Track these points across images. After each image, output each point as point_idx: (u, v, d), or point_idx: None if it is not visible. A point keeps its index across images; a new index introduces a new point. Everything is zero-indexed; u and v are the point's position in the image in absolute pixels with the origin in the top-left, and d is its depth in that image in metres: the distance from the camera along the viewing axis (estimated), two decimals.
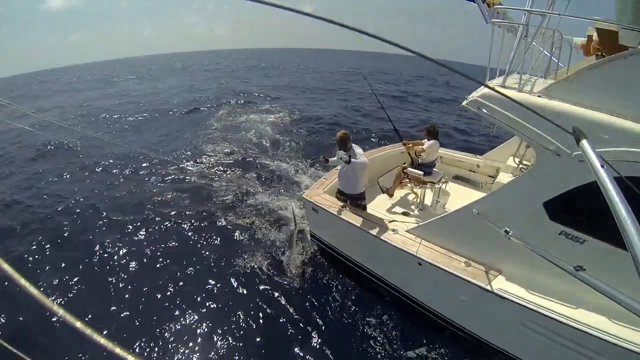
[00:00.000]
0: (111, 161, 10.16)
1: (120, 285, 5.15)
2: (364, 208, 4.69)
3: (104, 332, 4.34)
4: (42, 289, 0.89)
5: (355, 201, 4.62)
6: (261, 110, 16.18)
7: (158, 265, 5.52)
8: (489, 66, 3.19)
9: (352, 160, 3.94)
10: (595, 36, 3.70)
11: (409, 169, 5.30)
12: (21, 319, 4.54)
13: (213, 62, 64.06)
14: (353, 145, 4.26)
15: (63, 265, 5.64)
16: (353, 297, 4.67)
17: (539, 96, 2.77)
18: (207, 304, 4.69)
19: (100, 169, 9.74)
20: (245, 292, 4.88)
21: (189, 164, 9.42)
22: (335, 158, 4.22)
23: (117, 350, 0.81)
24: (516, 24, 3.24)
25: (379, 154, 6.11)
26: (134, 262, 5.62)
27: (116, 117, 16.65)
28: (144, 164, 9.77)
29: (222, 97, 20.58)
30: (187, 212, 6.95)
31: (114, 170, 9.49)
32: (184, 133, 12.94)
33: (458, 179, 6.02)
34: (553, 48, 3.55)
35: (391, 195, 5.44)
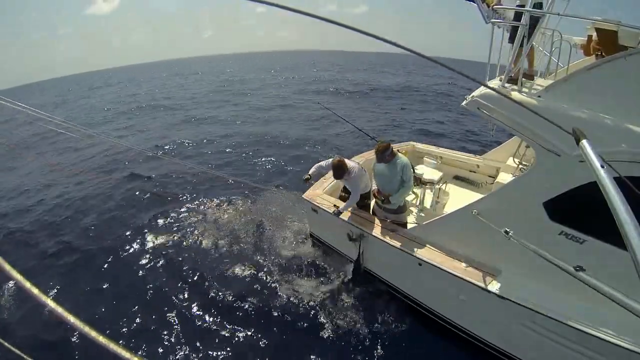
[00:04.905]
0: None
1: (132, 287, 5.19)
2: (367, 207, 4.68)
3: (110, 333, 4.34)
4: (43, 289, 0.89)
5: (361, 200, 4.57)
6: None
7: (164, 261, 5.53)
8: (489, 66, 3.19)
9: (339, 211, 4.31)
10: (595, 36, 3.70)
11: None
12: (21, 318, 4.54)
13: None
14: (350, 167, 4.25)
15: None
16: (352, 297, 4.66)
17: (539, 96, 2.76)
18: (204, 306, 4.72)
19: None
20: (242, 291, 4.89)
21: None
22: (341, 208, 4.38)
23: (118, 349, 0.81)
24: (516, 24, 3.24)
25: None
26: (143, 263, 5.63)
27: None
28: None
29: None
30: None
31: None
32: None
33: (458, 179, 6.01)
34: (553, 48, 3.55)
35: None
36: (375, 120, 14.62)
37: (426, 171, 5.46)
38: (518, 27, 2.87)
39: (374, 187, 4.34)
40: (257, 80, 32.32)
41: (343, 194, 4.85)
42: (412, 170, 4.09)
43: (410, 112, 17.04)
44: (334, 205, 4.50)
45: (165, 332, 4.30)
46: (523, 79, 3.00)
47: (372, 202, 4.63)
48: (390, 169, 4.01)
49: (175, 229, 6.50)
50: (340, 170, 4.16)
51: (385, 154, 3.93)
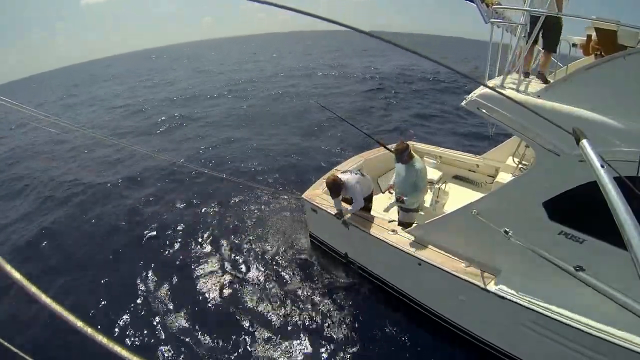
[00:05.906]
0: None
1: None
2: (369, 210, 4.67)
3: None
4: (43, 289, 0.89)
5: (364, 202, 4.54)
6: None
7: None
8: (488, 66, 3.19)
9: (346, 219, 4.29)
10: (594, 36, 3.71)
11: None
12: (21, 317, 4.54)
13: None
14: (344, 179, 4.18)
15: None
16: (352, 298, 4.67)
17: (538, 96, 2.76)
18: (200, 306, 4.73)
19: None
20: (241, 291, 4.91)
21: None
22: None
23: (118, 349, 0.81)
24: (515, 24, 3.24)
25: (379, 153, 6.09)
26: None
27: None
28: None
29: None
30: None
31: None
32: None
33: (457, 178, 6.01)
34: None
35: None
36: (375, 114, 14.51)
37: None
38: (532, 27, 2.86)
39: (391, 182, 4.46)
40: (255, 70, 31.32)
41: (345, 196, 4.83)
42: (426, 175, 4.12)
43: (411, 101, 16.85)
44: (343, 220, 4.38)
45: (164, 331, 4.31)
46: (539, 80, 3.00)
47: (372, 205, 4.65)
48: (407, 170, 4.04)
49: (173, 228, 6.50)
50: (335, 188, 4.10)
51: (403, 155, 3.96)
